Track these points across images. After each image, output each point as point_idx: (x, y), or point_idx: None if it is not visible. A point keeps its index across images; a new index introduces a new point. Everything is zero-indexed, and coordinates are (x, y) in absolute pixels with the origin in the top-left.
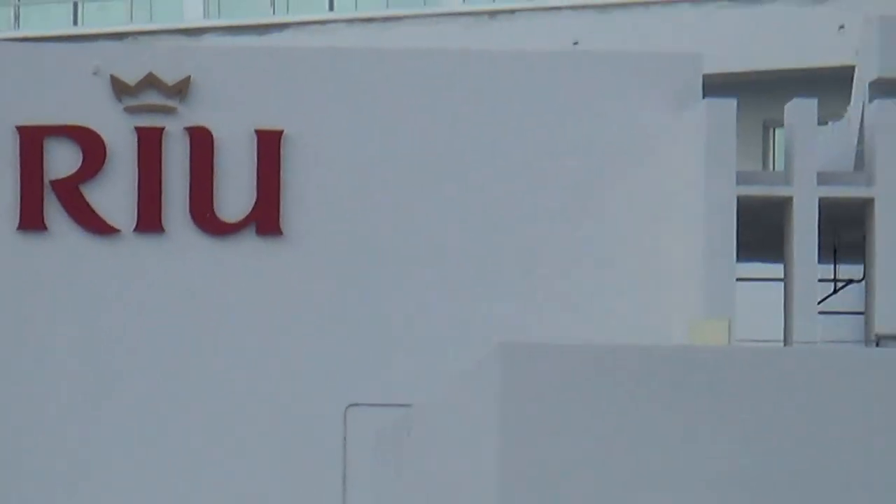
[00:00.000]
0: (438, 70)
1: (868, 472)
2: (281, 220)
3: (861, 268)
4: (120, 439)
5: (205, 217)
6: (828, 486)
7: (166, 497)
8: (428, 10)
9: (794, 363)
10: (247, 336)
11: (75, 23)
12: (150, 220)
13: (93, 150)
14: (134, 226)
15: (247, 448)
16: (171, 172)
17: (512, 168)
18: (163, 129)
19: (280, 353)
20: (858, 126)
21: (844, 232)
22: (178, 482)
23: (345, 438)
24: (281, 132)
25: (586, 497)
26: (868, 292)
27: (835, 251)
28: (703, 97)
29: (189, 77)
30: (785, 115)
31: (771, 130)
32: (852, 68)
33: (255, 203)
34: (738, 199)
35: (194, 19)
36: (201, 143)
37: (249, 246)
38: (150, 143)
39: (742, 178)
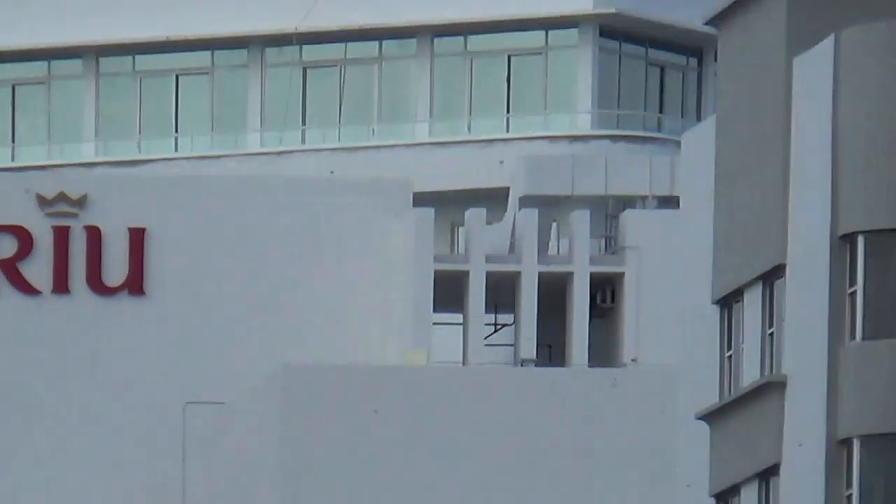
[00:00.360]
0: (241, 190)
1: (526, 450)
2: (144, 284)
3: (512, 316)
4: (24, 439)
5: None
6: (509, 462)
7: (43, 484)
8: (238, 151)
9: (469, 376)
10: (119, 355)
11: (13, 159)
12: (61, 285)
13: (25, 240)
14: (51, 289)
15: (115, 437)
16: (74, 255)
17: (292, 252)
18: (69, 227)
19: (138, 364)
20: (512, 226)
21: (502, 293)
22: (64, 474)
23: (184, 431)
24: (144, 229)
25: (348, 481)
26: (516, 332)
27: (495, 306)
28: (413, 206)
29: (86, 194)
30: (465, 219)
31: (456, 228)
32: (507, 189)
33: (128, 275)
34: (435, 272)
35: (89, 157)
36: (94, 236)
37: (124, 301)
38: (61, 237)
39: (437, 259)
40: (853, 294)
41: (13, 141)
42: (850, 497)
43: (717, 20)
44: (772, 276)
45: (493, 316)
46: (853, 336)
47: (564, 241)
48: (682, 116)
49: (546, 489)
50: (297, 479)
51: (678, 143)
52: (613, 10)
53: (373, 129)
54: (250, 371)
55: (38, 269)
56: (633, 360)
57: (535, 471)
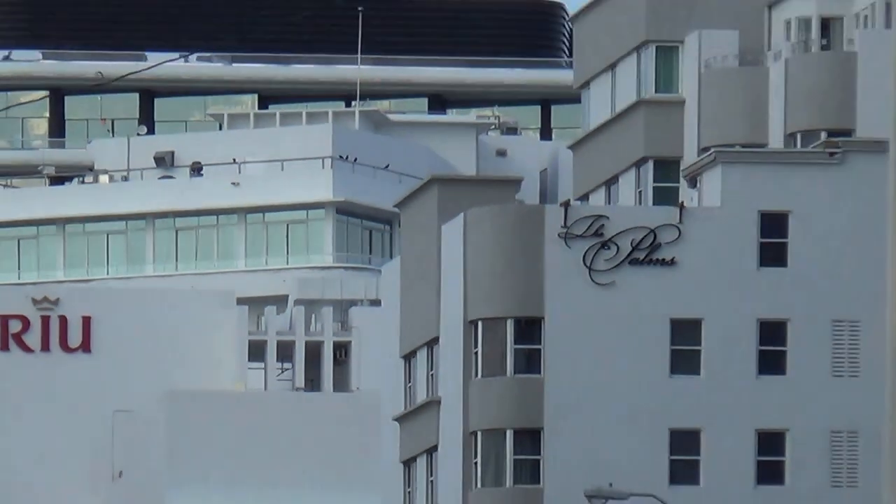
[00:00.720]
0: (143, 296)
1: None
2: (91, 346)
3: (291, 363)
4: (20, 433)
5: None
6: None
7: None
8: (140, 275)
9: (268, 396)
10: (77, 384)
11: (19, 279)
12: (45, 347)
13: (25, 323)
14: (39, 349)
15: (73, 432)
16: (52, 331)
17: (170, 329)
18: (49, 316)
19: (88, 389)
20: (290, 316)
21: (286, 352)
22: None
23: (113, 428)
24: (90, 317)
25: (212, 460)
26: (293, 372)
27: (282, 358)
28: (237, 305)
29: (59, 298)
30: (265, 312)
31: (260, 317)
32: (287, 296)
33: (81, 341)
34: (249, 341)
35: (60, 278)
36: (63, 321)
37: (80, 355)
38: (45, 321)
39: (250, 333)
40: (476, 353)
41: (19, 269)
42: (476, 463)
43: (400, 205)
44: (432, 343)
45: (280, 364)
46: (476, 375)
47: (319, 324)
48: (382, 256)
49: (306, 463)
50: (178, 455)
51: (380, 271)
52: (343, 199)
53: (214, 263)
54: (150, 393)
55: (33, 339)
56: (357, 388)
57: (302, 450)
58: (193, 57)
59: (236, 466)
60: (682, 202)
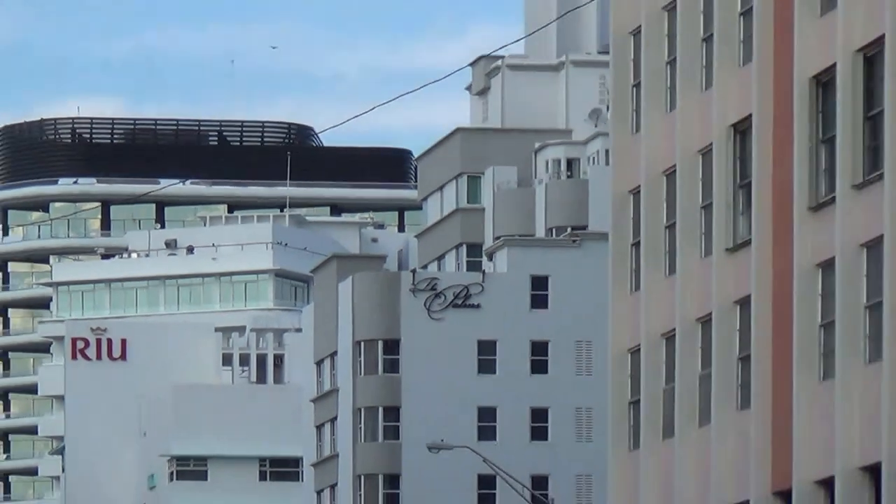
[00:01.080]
0: (155, 329)
1: None
2: (127, 357)
3: (248, 368)
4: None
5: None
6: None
7: None
8: (151, 314)
9: (235, 388)
10: (116, 381)
11: (83, 315)
12: (98, 356)
13: (86, 343)
14: (96, 357)
15: (113, 413)
16: (103, 347)
17: (173, 350)
18: (101, 338)
19: (124, 382)
20: (247, 338)
21: (245, 363)
22: None
23: (140, 409)
24: (125, 339)
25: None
26: (249, 373)
27: (242, 364)
28: (214, 332)
29: (106, 328)
30: (232, 337)
31: (228, 340)
32: (245, 326)
33: (120, 352)
34: (223, 354)
35: (105, 316)
36: (108, 341)
37: (118, 362)
38: (98, 341)
39: (223, 349)
40: (360, 360)
41: (83, 309)
42: (360, 427)
43: (313, 272)
44: (333, 355)
45: (241, 367)
46: (360, 373)
47: (265, 343)
48: (303, 302)
49: (257, 427)
50: (180, 422)
51: (302, 311)
52: (279, 268)
53: (201, 307)
54: (163, 385)
55: (91, 352)
56: (288, 381)
57: (255, 420)
58: (188, 181)
59: (215, 429)
60: (484, 270)
